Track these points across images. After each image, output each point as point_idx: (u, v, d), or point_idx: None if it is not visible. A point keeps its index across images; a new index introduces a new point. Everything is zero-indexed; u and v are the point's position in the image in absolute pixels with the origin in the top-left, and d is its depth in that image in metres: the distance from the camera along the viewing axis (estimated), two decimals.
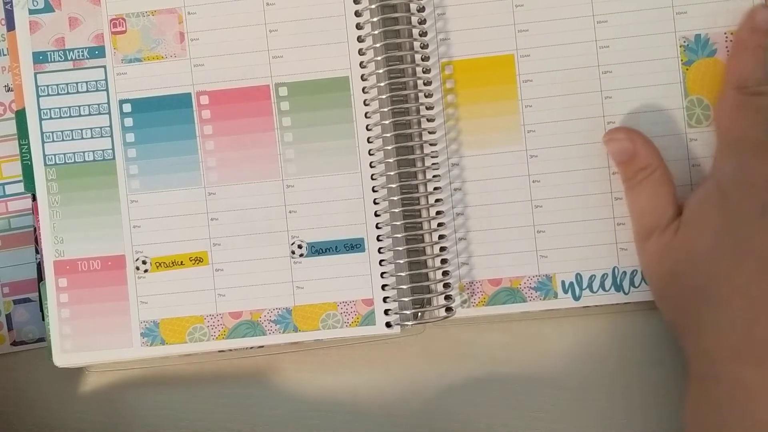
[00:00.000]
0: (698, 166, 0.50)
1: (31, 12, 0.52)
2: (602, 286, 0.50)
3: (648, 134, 0.50)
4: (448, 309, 0.51)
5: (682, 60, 0.51)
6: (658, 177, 0.48)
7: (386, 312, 0.51)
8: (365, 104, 0.51)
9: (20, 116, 0.52)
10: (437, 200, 0.51)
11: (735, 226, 0.45)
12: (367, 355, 0.53)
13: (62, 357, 0.51)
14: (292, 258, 0.51)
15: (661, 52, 0.51)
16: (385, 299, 0.51)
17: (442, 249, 0.51)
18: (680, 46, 0.51)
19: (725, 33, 0.50)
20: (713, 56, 0.51)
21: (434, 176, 0.51)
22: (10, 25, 0.52)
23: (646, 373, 0.51)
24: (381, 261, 0.51)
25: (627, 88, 0.51)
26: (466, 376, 0.52)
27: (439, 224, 0.51)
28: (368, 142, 0.51)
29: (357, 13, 0.51)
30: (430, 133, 0.51)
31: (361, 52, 0.51)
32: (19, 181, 0.53)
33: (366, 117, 0.51)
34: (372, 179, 0.51)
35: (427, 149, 0.51)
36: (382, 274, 0.51)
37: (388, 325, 0.51)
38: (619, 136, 0.49)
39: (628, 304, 0.51)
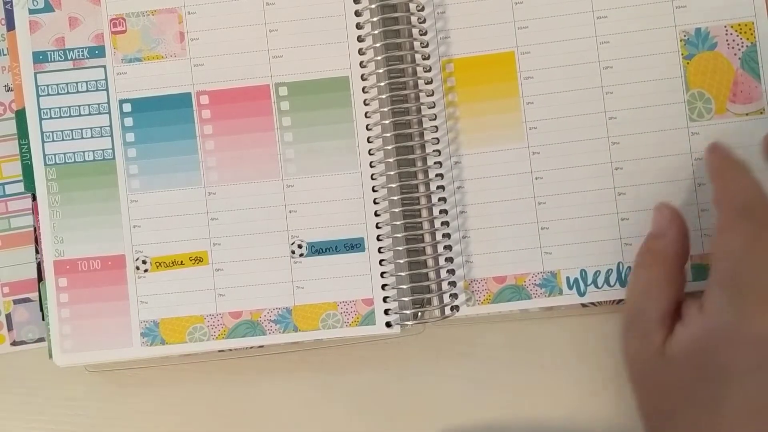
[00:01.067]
0: (700, 160, 0.50)
1: (31, 12, 0.52)
2: (607, 281, 0.50)
3: (649, 129, 0.50)
4: (453, 307, 0.50)
5: (682, 54, 0.51)
6: (665, 271, 0.46)
7: (386, 312, 0.50)
8: (365, 104, 0.51)
9: (20, 116, 0.52)
10: (440, 199, 0.51)
11: (721, 381, 0.42)
12: (367, 355, 0.53)
13: (62, 357, 0.51)
14: (292, 258, 0.51)
15: (662, 47, 0.51)
16: (385, 299, 0.50)
17: (446, 248, 0.50)
18: (680, 40, 0.51)
19: (725, 26, 0.50)
20: (714, 50, 0.50)
21: (436, 175, 0.51)
22: (10, 25, 0.52)
23: None
24: (381, 261, 0.51)
25: (628, 83, 0.51)
26: (465, 376, 0.52)
27: (442, 223, 0.51)
28: (368, 141, 0.51)
29: (357, 13, 0.51)
30: (431, 131, 0.51)
31: (361, 52, 0.51)
32: (19, 181, 0.53)
33: (366, 117, 0.51)
34: (372, 179, 0.51)
35: (429, 148, 0.51)
36: (382, 273, 0.51)
37: (388, 324, 0.50)
38: (664, 212, 0.47)
39: None
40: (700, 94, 0.50)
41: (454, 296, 0.50)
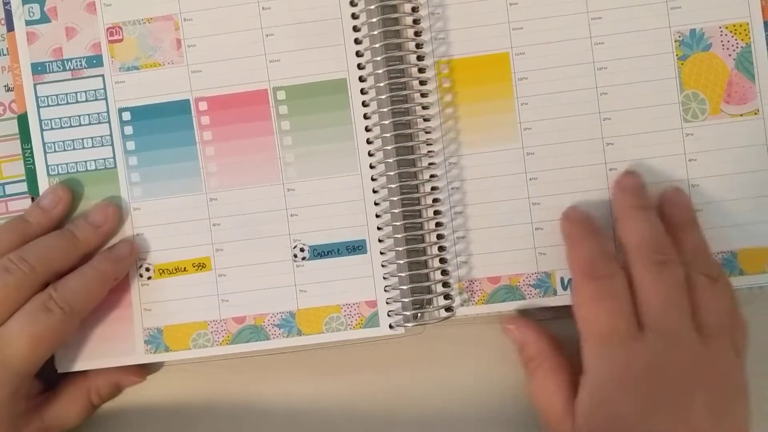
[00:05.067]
0: (695, 161, 0.50)
1: (28, 23, 0.52)
2: None
3: (644, 130, 0.50)
4: (449, 309, 0.51)
5: (677, 55, 0.51)
6: (546, 369, 0.48)
7: (389, 313, 0.51)
8: (364, 105, 0.51)
9: (22, 120, 0.53)
10: (435, 200, 0.51)
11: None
12: (368, 356, 0.53)
13: (65, 364, 0.51)
14: (295, 261, 0.51)
15: (656, 48, 0.51)
16: (387, 301, 0.51)
17: (441, 249, 0.51)
18: (675, 41, 0.51)
19: (720, 27, 0.50)
20: (708, 50, 0.50)
21: (432, 176, 0.51)
22: (10, 26, 0.53)
23: None
24: (383, 262, 0.51)
25: (622, 84, 0.51)
26: (466, 376, 0.53)
27: (438, 224, 0.51)
28: (368, 143, 0.51)
29: (354, 15, 0.51)
30: (427, 132, 0.51)
31: (358, 54, 0.51)
32: (19, 181, 0.53)
33: (365, 118, 0.51)
34: (372, 180, 0.51)
35: (425, 149, 0.51)
36: (385, 275, 0.51)
37: (391, 326, 0.51)
38: (510, 327, 0.50)
39: None
40: (695, 94, 0.50)
41: (450, 297, 0.51)
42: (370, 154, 0.51)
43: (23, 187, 0.53)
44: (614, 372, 0.44)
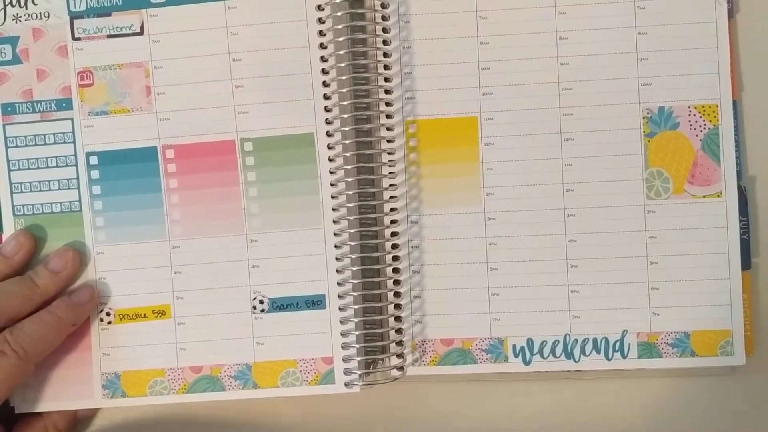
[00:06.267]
0: (655, 238, 0.50)
1: None
2: (553, 352, 0.51)
3: (606, 204, 0.50)
4: (400, 368, 0.51)
5: (644, 131, 0.51)
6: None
7: (345, 371, 0.51)
8: (330, 160, 0.51)
9: None
10: (394, 258, 0.51)
11: None
12: (323, 409, 0.54)
13: (23, 405, 0.52)
14: (254, 313, 0.52)
15: (625, 123, 0.51)
16: (344, 358, 0.51)
17: (397, 307, 0.51)
18: (643, 118, 0.51)
19: (689, 107, 0.50)
20: (676, 129, 0.50)
21: (392, 233, 0.51)
22: None
23: None
24: (342, 319, 0.51)
25: (588, 157, 0.51)
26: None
27: (395, 282, 0.51)
28: (332, 198, 0.51)
29: (324, 71, 0.51)
30: (391, 189, 0.51)
31: (327, 109, 0.51)
32: None
33: (331, 173, 0.51)
34: (335, 235, 0.51)
35: (387, 206, 0.51)
36: (343, 332, 0.51)
37: (346, 385, 0.51)
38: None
39: (579, 371, 0.51)
40: (659, 172, 0.50)
41: (402, 357, 0.51)
42: (334, 210, 0.51)
43: None
44: None
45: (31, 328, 0.49)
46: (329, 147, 0.51)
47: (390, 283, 0.51)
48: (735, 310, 0.50)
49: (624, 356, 0.50)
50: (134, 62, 0.52)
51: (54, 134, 0.53)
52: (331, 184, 0.51)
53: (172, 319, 0.52)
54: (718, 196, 0.50)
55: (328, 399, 0.52)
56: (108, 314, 0.52)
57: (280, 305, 0.52)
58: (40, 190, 0.53)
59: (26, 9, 0.53)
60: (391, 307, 0.51)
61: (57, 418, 0.53)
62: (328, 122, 0.51)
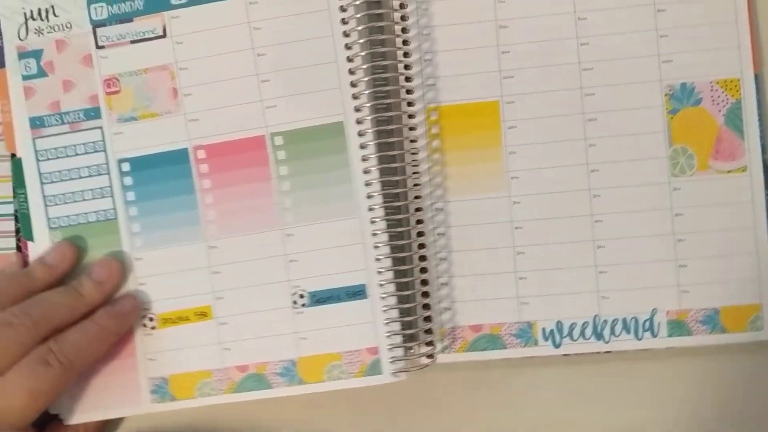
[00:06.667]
0: (681, 215, 0.50)
1: (25, 78, 0.53)
2: (582, 334, 0.50)
3: (631, 183, 0.50)
4: (429, 356, 0.50)
5: (667, 108, 0.50)
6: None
7: (391, 360, 0.50)
8: (362, 147, 0.51)
9: (17, 166, 0.53)
10: (420, 246, 0.51)
11: None
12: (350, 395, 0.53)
13: (71, 416, 0.52)
14: (294, 308, 0.51)
15: (647, 101, 0.50)
16: (389, 347, 0.51)
17: (425, 294, 0.51)
18: (665, 95, 0.50)
19: (710, 82, 0.50)
20: (698, 105, 0.50)
21: (417, 221, 0.50)
22: (0, 63, 0.53)
23: (630, 425, 0.51)
24: (385, 307, 0.51)
25: (611, 136, 0.50)
26: (446, 426, 0.52)
27: (422, 269, 0.51)
28: (366, 185, 0.51)
29: (349, 59, 0.51)
30: (414, 177, 0.51)
31: (355, 97, 0.51)
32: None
33: (363, 160, 0.51)
34: (372, 223, 0.51)
35: (410, 195, 0.51)
36: (386, 320, 0.51)
37: (394, 374, 0.50)
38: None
39: (609, 353, 0.50)
40: (683, 149, 0.50)
41: (432, 344, 0.51)
42: (369, 197, 0.51)
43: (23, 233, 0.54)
44: None
45: (75, 338, 0.49)
46: (360, 134, 0.51)
47: (417, 271, 0.51)
48: (764, 284, 0.50)
49: (654, 335, 0.50)
50: (159, 65, 0.52)
51: (84, 144, 0.53)
52: (365, 172, 0.51)
53: (214, 319, 0.52)
54: (743, 170, 0.50)
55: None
56: (151, 319, 0.52)
57: (320, 298, 0.51)
58: (74, 201, 0.53)
59: (48, 21, 0.53)
60: (419, 295, 0.51)
61: (88, 422, 0.53)
62: (357, 110, 0.51)
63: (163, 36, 0.52)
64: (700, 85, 0.50)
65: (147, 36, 0.52)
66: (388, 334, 0.50)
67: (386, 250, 0.50)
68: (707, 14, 0.50)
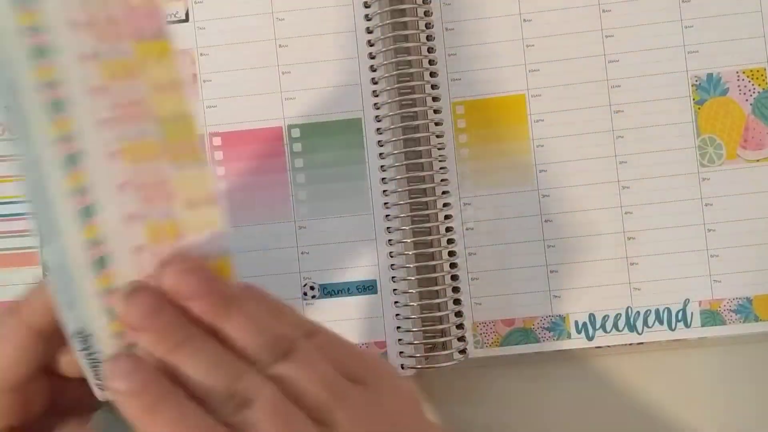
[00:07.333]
0: (711, 205, 0.50)
1: None
2: (615, 326, 0.50)
3: (659, 174, 0.50)
4: (462, 351, 0.50)
5: (694, 99, 0.51)
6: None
7: (400, 354, 0.50)
8: (379, 145, 0.51)
9: None
10: (449, 240, 0.51)
11: None
12: None
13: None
14: (304, 299, 0.51)
15: (673, 92, 0.51)
16: (398, 341, 0.50)
17: (455, 290, 0.50)
18: (692, 85, 0.51)
19: (737, 72, 0.51)
20: (725, 95, 0.51)
21: (446, 216, 0.51)
22: None
23: (665, 417, 0.51)
24: (395, 302, 0.50)
25: (639, 128, 0.51)
26: (476, 421, 0.52)
27: (452, 265, 0.51)
28: (382, 182, 0.51)
29: (371, 55, 0.51)
30: (441, 172, 0.51)
31: (375, 94, 0.51)
32: (10, 203, 0.53)
33: (380, 157, 0.51)
34: (386, 219, 0.51)
35: (438, 190, 0.51)
36: (396, 315, 0.50)
37: (401, 367, 0.50)
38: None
39: (642, 344, 0.50)
40: (711, 139, 0.51)
41: (463, 339, 0.50)
42: (385, 193, 0.51)
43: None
44: None
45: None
46: (378, 131, 0.51)
47: (447, 266, 0.51)
48: None
49: (687, 326, 0.50)
50: (180, 50, 0.52)
51: None
52: (382, 169, 0.51)
53: None
54: None
55: None
56: None
57: (331, 291, 0.51)
58: None
59: None
60: (449, 290, 0.50)
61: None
62: (376, 107, 0.51)
63: (186, 20, 0.52)
64: (726, 74, 0.51)
65: (169, 19, 0.52)
66: (400, 329, 0.50)
67: (401, 246, 0.50)
68: (732, 4, 0.51)
